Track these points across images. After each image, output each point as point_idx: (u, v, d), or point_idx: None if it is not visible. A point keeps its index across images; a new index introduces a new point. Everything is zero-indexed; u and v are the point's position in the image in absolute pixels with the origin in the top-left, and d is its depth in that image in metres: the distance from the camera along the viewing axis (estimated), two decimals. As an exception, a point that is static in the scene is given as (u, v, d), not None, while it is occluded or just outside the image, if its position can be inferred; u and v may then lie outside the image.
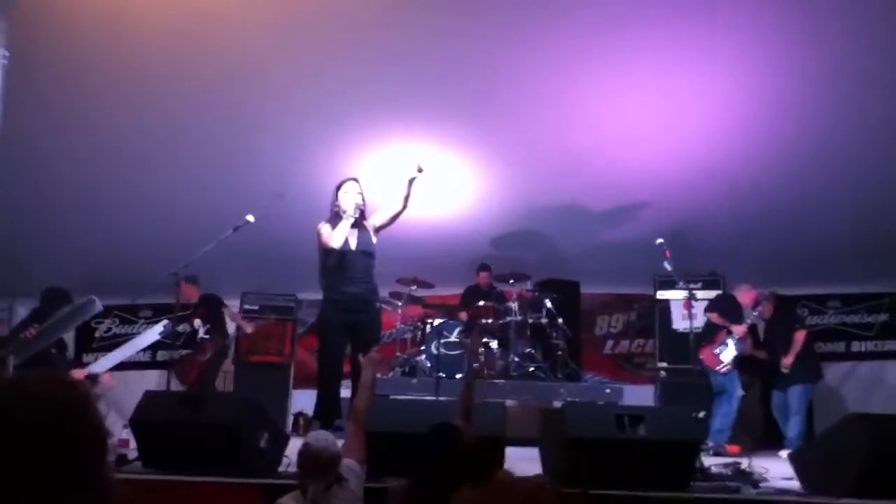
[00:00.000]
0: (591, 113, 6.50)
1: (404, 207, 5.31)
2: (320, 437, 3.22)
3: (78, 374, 5.67)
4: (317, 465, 3.10)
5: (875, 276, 8.05)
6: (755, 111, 6.33)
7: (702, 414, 6.54)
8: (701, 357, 6.59)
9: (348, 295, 5.16)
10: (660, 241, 5.77)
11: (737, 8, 5.53)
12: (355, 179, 5.38)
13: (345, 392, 5.48)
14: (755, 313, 6.86)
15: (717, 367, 6.58)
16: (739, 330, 6.56)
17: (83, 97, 6.19)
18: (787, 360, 6.68)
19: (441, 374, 7.12)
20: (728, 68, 6.01)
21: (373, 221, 5.39)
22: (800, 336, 6.79)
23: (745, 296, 6.86)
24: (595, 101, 6.38)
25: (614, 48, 5.88)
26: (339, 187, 5.31)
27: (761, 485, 4.52)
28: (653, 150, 6.70)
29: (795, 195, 7.01)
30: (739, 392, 6.56)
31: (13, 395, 1.22)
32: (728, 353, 6.58)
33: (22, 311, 8.03)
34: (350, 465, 3.30)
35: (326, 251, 5.20)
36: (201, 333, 7.02)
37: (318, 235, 5.27)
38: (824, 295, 8.37)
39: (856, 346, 8.25)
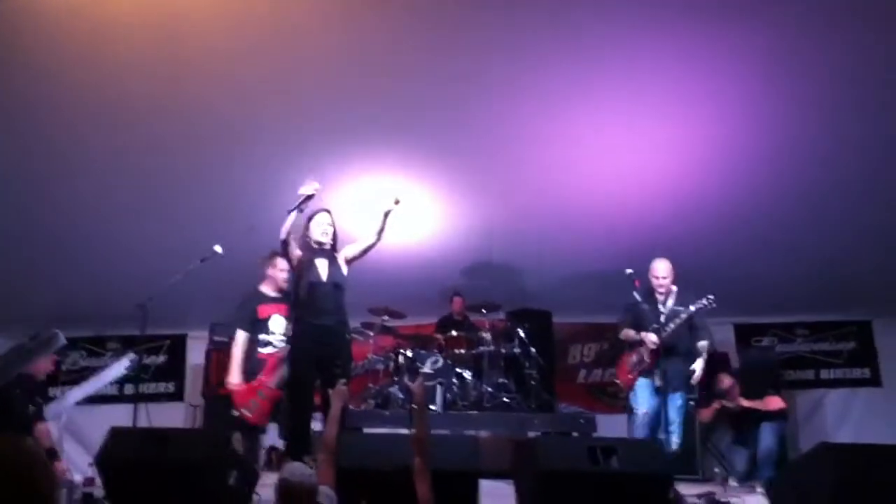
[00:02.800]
0: (562, 143, 6.56)
1: (377, 240, 5.29)
2: (296, 470, 3.24)
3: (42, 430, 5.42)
4: (296, 497, 3.14)
5: (842, 305, 8.17)
6: (723, 145, 6.44)
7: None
8: (616, 371, 6.15)
9: (318, 327, 5.11)
10: (629, 271, 5.80)
11: (720, 44, 5.63)
12: (327, 211, 5.35)
13: (317, 425, 5.41)
14: (727, 401, 6.82)
15: (622, 380, 5.96)
16: (648, 338, 5.71)
17: (52, 132, 6.15)
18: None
19: (414, 405, 7.08)
20: (697, 106, 6.13)
21: (344, 253, 5.36)
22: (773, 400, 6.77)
23: (723, 381, 6.89)
24: (566, 132, 6.45)
25: (588, 80, 5.97)
26: (310, 218, 5.29)
27: (734, 515, 4.55)
28: (621, 182, 6.79)
29: (762, 225, 7.12)
30: (642, 409, 5.77)
31: None
32: (632, 361, 5.90)
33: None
34: (327, 493, 3.35)
35: (296, 282, 5.17)
36: None
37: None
38: (792, 323, 8.46)
39: (825, 374, 8.34)
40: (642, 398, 5.74)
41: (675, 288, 5.87)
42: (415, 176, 6.94)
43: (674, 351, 5.73)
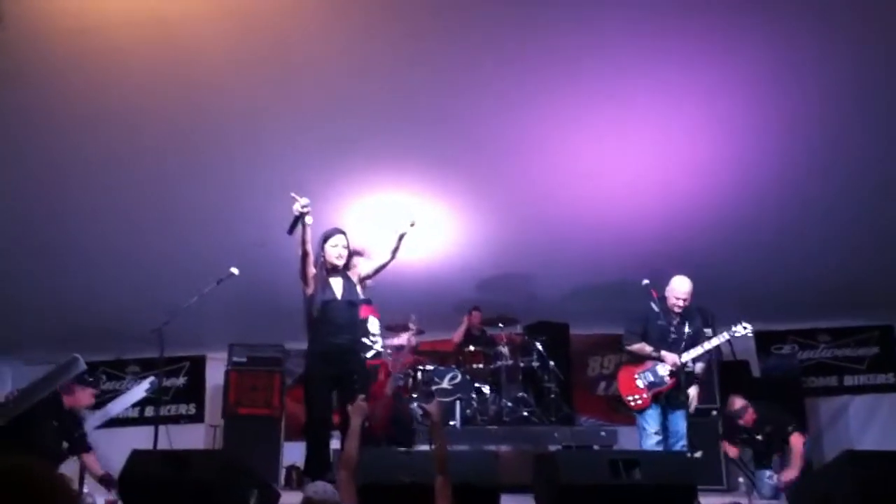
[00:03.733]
0: (574, 154, 6.56)
1: (392, 258, 5.28)
2: (318, 489, 3.26)
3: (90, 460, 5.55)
4: None
5: (863, 310, 8.08)
6: (741, 146, 6.41)
7: (699, 454, 6.50)
8: (618, 383, 5.80)
9: (333, 346, 5.09)
10: (646, 282, 5.74)
11: (721, 48, 5.62)
12: (342, 232, 5.29)
13: (336, 445, 5.41)
14: (741, 421, 6.53)
15: (628, 396, 5.59)
16: (671, 359, 5.47)
17: (62, 150, 6.19)
18: (788, 476, 6.15)
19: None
20: (714, 105, 6.08)
21: (359, 271, 5.36)
22: (797, 442, 6.37)
23: (734, 402, 6.61)
24: (579, 143, 6.44)
25: (598, 90, 5.96)
26: (325, 239, 5.27)
27: (759, 525, 4.48)
28: (637, 190, 6.76)
29: (781, 230, 7.07)
30: (651, 440, 5.46)
31: None
32: (646, 379, 5.56)
33: (6, 371, 7.96)
34: None
35: (311, 302, 5.16)
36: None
37: (303, 285, 5.23)
38: (814, 329, 8.37)
39: (848, 381, 8.23)
40: (653, 420, 5.51)
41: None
42: (427, 191, 6.96)
43: (680, 371, 5.55)
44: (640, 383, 5.57)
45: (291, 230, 4.91)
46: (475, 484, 4.04)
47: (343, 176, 6.64)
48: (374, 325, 6.26)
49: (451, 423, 7.19)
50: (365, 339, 5.85)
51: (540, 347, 7.63)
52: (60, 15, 5.22)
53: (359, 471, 3.77)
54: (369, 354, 5.90)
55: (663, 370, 5.51)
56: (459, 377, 7.27)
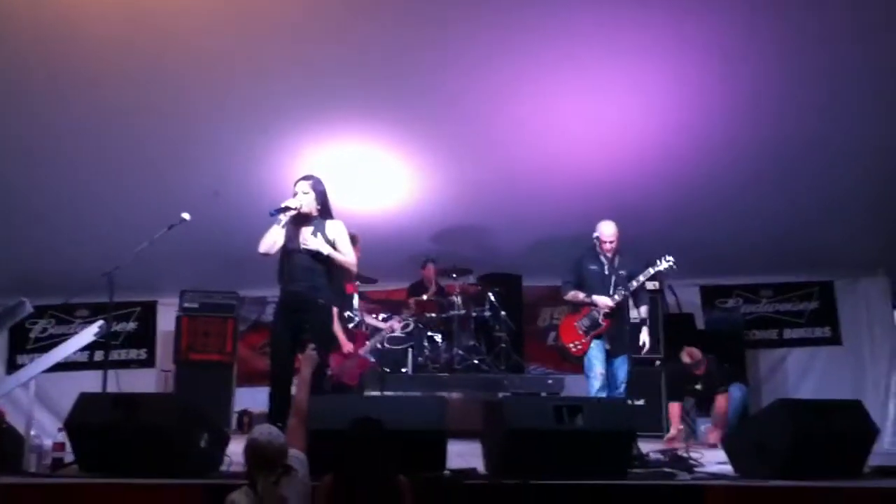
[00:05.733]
0: (530, 106, 6.56)
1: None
2: (264, 430, 3.28)
3: None
4: (264, 458, 3.18)
5: (806, 266, 8.32)
6: (697, 109, 6.48)
7: (641, 401, 6.74)
8: (560, 333, 5.95)
9: (290, 294, 5.09)
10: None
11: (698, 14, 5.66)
12: (309, 178, 5.14)
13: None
14: (697, 371, 6.83)
15: (569, 344, 5.79)
16: (601, 301, 5.68)
17: (13, 88, 6.03)
18: (713, 438, 6.52)
19: (385, 368, 7.16)
20: (663, 68, 6.15)
21: (332, 235, 5.14)
22: (720, 403, 6.74)
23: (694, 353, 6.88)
24: (541, 97, 6.45)
25: (562, 46, 5.95)
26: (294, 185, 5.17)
27: (696, 469, 4.69)
28: (588, 146, 6.82)
29: (727, 186, 7.18)
30: (596, 382, 5.64)
31: None
32: (583, 324, 5.76)
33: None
34: (297, 455, 3.39)
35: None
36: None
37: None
38: (757, 284, 8.61)
39: (787, 334, 8.50)
40: (597, 361, 5.69)
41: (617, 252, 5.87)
42: (384, 142, 6.94)
43: (618, 314, 5.78)
44: (579, 330, 5.78)
45: (274, 213, 4.95)
46: (423, 429, 4.15)
47: (300, 127, 6.59)
48: (355, 300, 7.06)
49: (403, 370, 7.30)
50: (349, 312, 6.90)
51: (493, 298, 7.73)
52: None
53: (310, 417, 3.84)
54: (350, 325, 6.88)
55: (598, 313, 5.72)
56: (412, 325, 7.37)
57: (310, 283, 5.07)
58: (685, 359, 6.86)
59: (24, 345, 8.35)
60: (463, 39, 5.85)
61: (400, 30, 5.80)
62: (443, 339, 7.55)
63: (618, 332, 5.76)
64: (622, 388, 5.74)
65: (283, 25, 5.76)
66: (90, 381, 6.81)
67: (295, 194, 5.09)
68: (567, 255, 6.24)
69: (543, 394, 6.81)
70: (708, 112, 6.51)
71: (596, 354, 5.71)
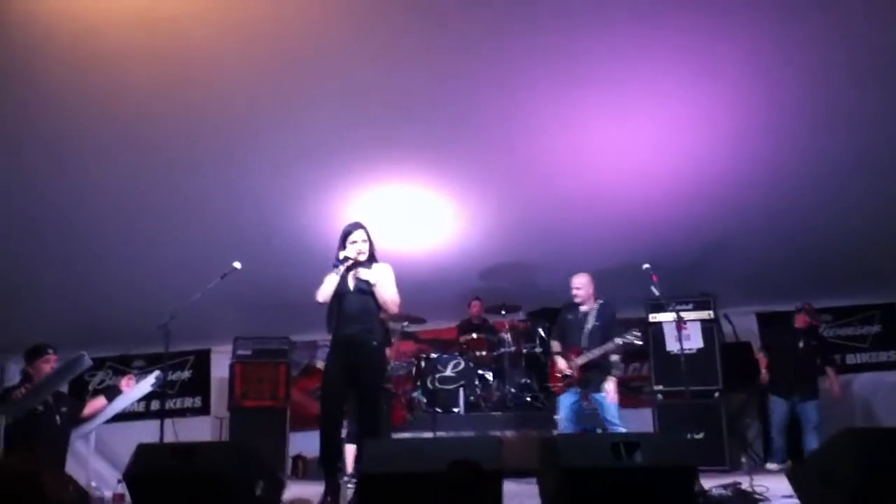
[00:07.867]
0: (575, 142, 6.53)
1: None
2: None
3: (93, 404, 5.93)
4: None
5: (865, 288, 8.09)
6: (739, 128, 6.36)
7: (700, 435, 6.59)
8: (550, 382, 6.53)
9: (344, 338, 5.07)
10: (646, 266, 5.80)
11: (720, 28, 5.60)
12: (361, 227, 5.18)
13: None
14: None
15: (552, 384, 6.40)
16: (560, 365, 6.23)
17: (65, 148, 6.19)
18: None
19: (437, 409, 7.12)
20: (711, 87, 6.05)
21: (377, 276, 5.15)
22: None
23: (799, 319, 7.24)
24: (580, 130, 6.42)
25: (599, 77, 5.92)
26: (345, 236, 5.19)
27: (761, 504, 4.54)
28: (637, 174, 6.75)
29: (781, 210, 7.06)
30: (561, 424, 6.18)
31: None
32: (563, 371, 6.21)
33: (14, 368, 8.03)
34: None
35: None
36: None
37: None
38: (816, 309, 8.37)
39: (851, 359, 8.26)
40: (564, 405, 6.10)
41: (596, 301, 6.21)
42: (428, 181, 6.99)
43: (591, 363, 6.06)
44: (559, 374, 6.22)
45: (337, 265, 5.03)
46: (480, 467, 4.08)
47: (341, 169, 6.63)
48: None
49: (455, 409, 7.25)
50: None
51: (542, 333, 7.67)
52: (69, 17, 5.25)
53: (366, 460, 3.81)
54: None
55: (573, 366, 6.10)
56: (462, 364, 7.32)
57: (363, 326, 5.05)
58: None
59: (83, 396, 8.52)
60: (507, 72, 5.81)
61: (443, 63, 5.77)
62: (494, 376, 7.48)
63: (593, 375, 6.04)
64: (616, 422, 5.94)
65: (331, 70, 5.79)
66: (147, 430, 6.94)
67: (343, 240, 5.14)
68: (613, 288, 6.22)
69: (598, 430, 6.68)
70: (758, 133, 6.37)
71: (563, 404, 6.12)
